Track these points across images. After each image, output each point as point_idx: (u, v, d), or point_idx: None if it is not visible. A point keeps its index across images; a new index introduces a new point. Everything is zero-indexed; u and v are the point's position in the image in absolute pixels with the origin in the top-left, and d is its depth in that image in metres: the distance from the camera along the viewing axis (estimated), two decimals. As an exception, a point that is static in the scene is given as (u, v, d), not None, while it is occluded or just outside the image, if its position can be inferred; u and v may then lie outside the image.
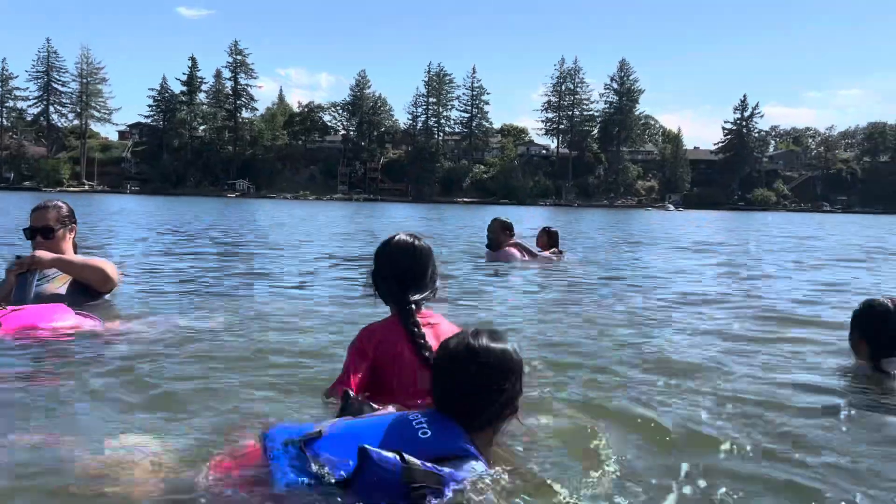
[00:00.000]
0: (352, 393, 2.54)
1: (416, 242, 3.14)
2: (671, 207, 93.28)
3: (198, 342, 4.30)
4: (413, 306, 3.01)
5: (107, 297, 5.20)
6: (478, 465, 2.12)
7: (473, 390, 2.26)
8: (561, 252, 10.72)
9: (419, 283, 3.07)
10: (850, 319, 3.86)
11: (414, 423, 2.17)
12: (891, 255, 15.53)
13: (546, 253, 10.29)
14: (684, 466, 2.51)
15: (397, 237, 3.16)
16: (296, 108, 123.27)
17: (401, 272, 3.06)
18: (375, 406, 2.46)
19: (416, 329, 2.96)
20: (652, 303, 6.75)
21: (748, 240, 21.36)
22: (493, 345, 2.30)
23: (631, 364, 4.05)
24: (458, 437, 2.16)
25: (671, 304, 6.68)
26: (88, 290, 5.01)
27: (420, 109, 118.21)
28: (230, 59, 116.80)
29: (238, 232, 18.23)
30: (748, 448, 2.71)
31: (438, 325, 3.07)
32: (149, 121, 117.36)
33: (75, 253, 5.13)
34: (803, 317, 6.02)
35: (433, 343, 2.91)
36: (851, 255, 14.72)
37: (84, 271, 4.95)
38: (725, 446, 2.74)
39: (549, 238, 10.61)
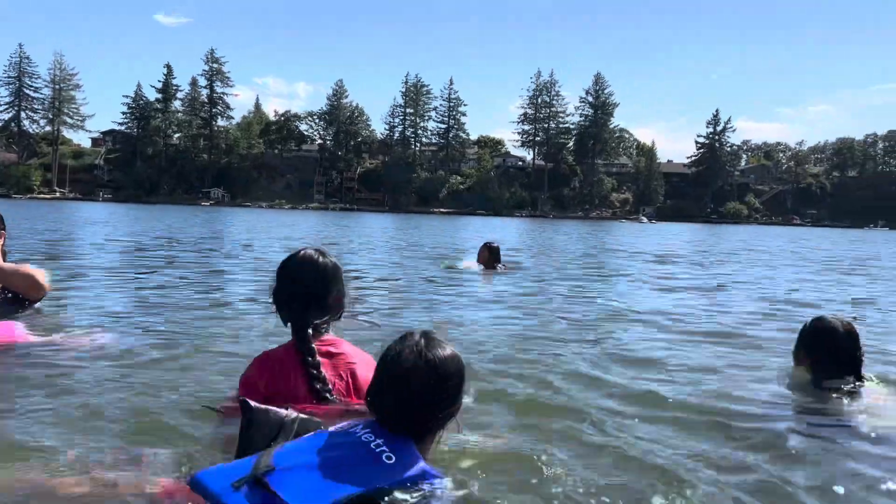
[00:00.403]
0: (252, 403, 2.30)
1: (321, 259, 2.88)
2: (644, 220, 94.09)
3: (120, 359, 4.26)
4: (311, 331, 2.75)
5: (37, 305, 5.20)
6: (438, 482, 2.09)
7: (432, 400, 2.21)
8: (505, 266, 10.86)
9: (320, 305, 2.80)
10: (797, 333, 3.83)
11: (373, 447, 2.07)
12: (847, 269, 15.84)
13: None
14: (628, 485, 2.52)
15: (301, 252, 2.90)
16: (272, 117, 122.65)
17: (301, 291, 2.80)
18: (282, 412, 2.29)
19: (310, 358, 2.70)
20: (593, 318, 6.81)
21: (708, 252, 21.60)
22: (445, 353, 2.26)
23: (572, 380, 4.07)
24: (417, 458, 2.10)
25: (613, 320, 6.75)
26: (18, 298, 5.00)
27: (397, 120, 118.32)
28: (206, 68, 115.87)
29: (201, 242, 18.15)
30: (685, 470, 2.69)
31: (341, 354, 2.81)
32: (122, 128, 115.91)
33: (4, 260, 5.12)
34: (743, 333, 6.07)
35: (329, 374, 2.70)
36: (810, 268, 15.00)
37: (13, 278, 4.90)
38: (659, 462, 2.75)
39: (490, 253, 10.72)
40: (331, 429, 2.18)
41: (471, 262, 10.84)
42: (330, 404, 2.65)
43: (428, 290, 8.64)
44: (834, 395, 3.53)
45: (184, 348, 4.63)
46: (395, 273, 11.19)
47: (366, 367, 2.72)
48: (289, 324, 2.83)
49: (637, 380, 4.18)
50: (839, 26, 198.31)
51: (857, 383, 3.58)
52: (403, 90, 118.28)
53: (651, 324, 6.49)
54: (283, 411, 2.30)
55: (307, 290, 2.80)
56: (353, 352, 2.85)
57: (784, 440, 3.07)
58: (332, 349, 2.79)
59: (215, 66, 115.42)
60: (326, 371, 2.71)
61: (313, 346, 2.73)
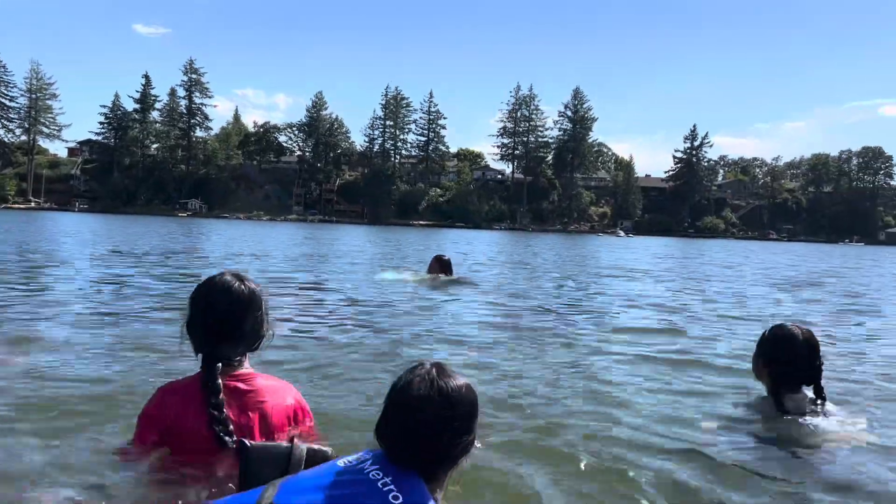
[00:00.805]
0: (248, 443, 2.18)
1: (236, 285, 2.62)
2: (622, 234, 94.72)
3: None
4: (219, 364, 2.51)
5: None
6: None
7: (442, 430, 2.08)
8: (457, 279, 10.87)
9: (233, 336, 2.56)
10: (755, 343, 3.72)
11: (380, 486, 1.98)
12: (795, 286, 16.01)
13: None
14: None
15: (217, 277, 2.65)
16: (251, 128, 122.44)
17: (211, 321, 2.56)
18: (283, 444, 2.21)
19: (213, 399, 2.46)
20: (549, 334, 6.84)
21: (674, 268, 21.73)
22: (458, 382, 2.13)
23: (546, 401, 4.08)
24: (427, 498, 2.00)
25: (570, 336, 6.77)
26: None
27: (377, 132, 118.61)
28: (185, 78, 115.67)
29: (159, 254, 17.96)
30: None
31: (251, 392, 2.55)
32: (100, 138, 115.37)
33: None
34: (703, 354, 6.03)
35: (235, 414, 2.48)
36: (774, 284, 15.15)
37: None
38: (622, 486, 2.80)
39: (440, 266, 10.75)
40: (339, 462, 2.07)
41: (409, 274, 10.83)
42: (226, 450, 2.42)
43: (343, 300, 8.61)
44: (798, 422, 3.40)
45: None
46: (326, 280, 11.17)
47: (280, 399, 2.58)
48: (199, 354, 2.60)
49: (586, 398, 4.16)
50: (815, 44, 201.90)
51: (818, 402, 3.48)
52: (383, 102, 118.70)
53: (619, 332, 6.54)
54: (284, 444, 2.20)
55: (219, 319, 2.56)
56: (265, 387, 2.58)
57: (743, 471, 3.05)
58: (241, 385, 2.54)
59: (194, 76, 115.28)
60: (232, 410, 2.48)
61: (219, 382, 2.48)
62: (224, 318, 2.56)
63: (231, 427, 2.46)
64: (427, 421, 2.06)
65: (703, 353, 6.04)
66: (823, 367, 3.52)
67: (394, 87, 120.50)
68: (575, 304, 9.87)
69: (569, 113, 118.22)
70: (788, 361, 3.48)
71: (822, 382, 3.53)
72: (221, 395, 2.46)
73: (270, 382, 2.63)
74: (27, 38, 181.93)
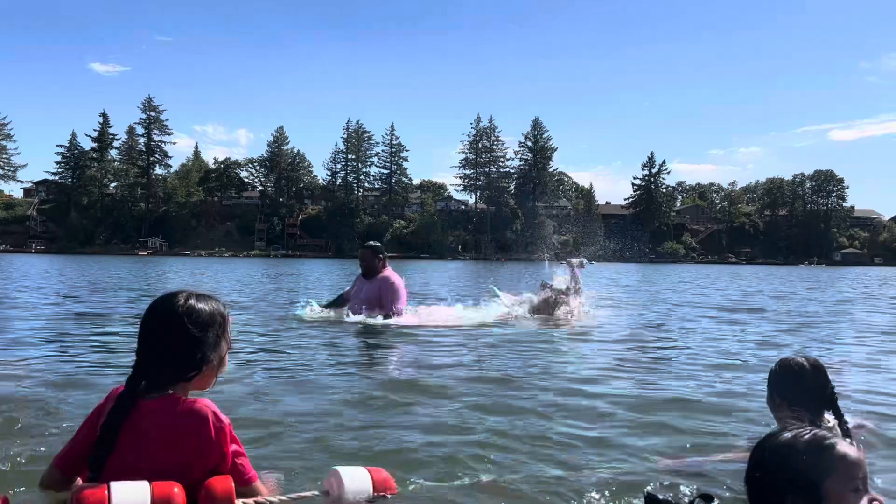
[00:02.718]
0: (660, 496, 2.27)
1: (174, 300, 2.45)
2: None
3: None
4: (142, 381, 2.39)
5: None
6: None
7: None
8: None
9: (152, 354, 2.41)
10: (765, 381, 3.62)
11: None
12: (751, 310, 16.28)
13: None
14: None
15: (163, 295, 2.52)
16: (212, 165, 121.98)
17: (143, 337, 2.44)
18: None
19: (110, 420, 2.35)
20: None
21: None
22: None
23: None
24: None
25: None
26: None
27: (339, 165, 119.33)
28: (143, 116, 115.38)
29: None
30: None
31: (166, 420, 2.35)
32: (56, 178, 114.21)
33: None
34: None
35: (128, 441, 2.34)
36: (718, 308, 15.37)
37: None
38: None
39: (373, 253, 10.50)
40: None
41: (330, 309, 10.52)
42: (95, 483, 2.25)
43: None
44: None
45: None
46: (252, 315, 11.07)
47: (193, 431, 2.35)
48: None
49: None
50: (766, 70, 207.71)
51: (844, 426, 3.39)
52: (345, 136, 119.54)
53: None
54: None
55: (141, 334, 2.44)
56: (181, 414, 2.36)
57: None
58: (158, 411, 2.36)
59: (153, 114, 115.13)
60: (140, 438, 2.34)
61: (126, 404, 2.35)
62: (144, 333, 2.44)
63: (103, 461, 2.33)
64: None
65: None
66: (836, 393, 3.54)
67: (355, 121, 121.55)
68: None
69: (529, 143, 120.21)
70: (803, 392, 3.42)
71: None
72: (119, 424, 2.33)
73: (188, 410, 2.36)
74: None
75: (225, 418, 2.41)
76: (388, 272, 9.73)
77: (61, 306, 12.35)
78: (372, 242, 10.30)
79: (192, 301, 2.44)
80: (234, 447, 2.43)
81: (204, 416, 2.35)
